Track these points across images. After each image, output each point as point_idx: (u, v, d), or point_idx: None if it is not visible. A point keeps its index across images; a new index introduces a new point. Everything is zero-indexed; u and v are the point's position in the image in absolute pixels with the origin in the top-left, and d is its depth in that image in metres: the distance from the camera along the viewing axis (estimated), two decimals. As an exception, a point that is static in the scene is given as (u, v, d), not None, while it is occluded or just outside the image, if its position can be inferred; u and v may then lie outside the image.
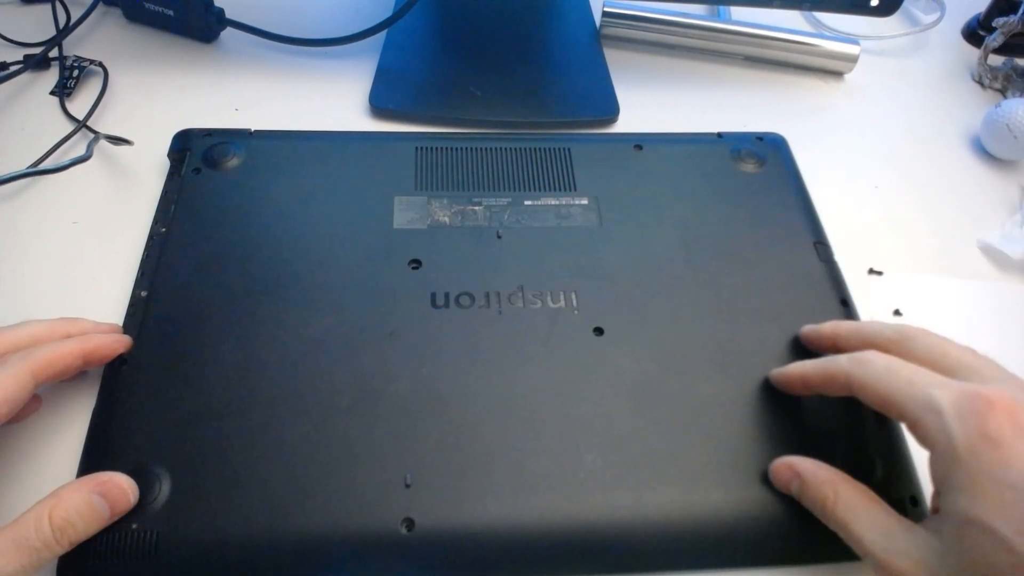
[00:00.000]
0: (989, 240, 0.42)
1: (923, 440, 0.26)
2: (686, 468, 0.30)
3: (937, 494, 0.26)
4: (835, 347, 0.32)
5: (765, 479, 0.30)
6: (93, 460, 0.29)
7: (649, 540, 0.29)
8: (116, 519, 0.27)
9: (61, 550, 0.25)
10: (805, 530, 0.29)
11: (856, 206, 0.45)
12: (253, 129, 0.42)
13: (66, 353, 0.29)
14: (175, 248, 0.36)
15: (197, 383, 0.31)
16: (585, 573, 0.29)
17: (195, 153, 0.40)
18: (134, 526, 0.27)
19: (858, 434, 0.31)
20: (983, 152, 0.49)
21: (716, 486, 0.30)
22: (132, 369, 0.31)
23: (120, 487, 0.27)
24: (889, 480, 0.30)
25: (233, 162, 0.40)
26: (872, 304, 0.39)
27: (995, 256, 0.42)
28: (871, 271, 0.40)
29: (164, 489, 0.28)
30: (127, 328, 0.33)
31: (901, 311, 0.39)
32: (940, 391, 0.25)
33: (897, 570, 0.25)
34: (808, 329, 0.34)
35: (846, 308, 0.36)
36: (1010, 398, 0.24)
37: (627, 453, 0.30)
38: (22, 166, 0.41)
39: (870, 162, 0.48)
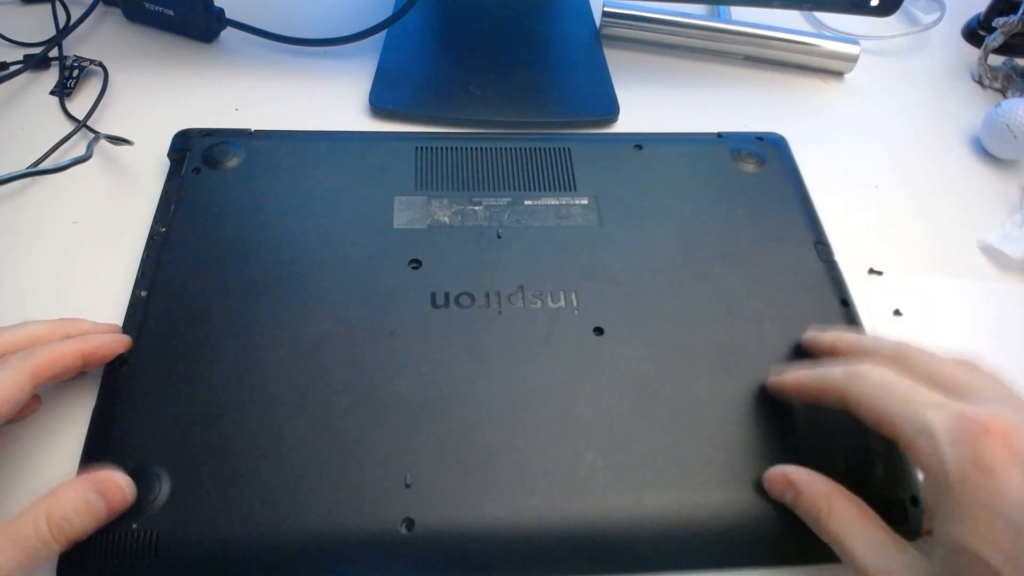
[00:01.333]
0: (989, 240, 0.42)
1: (917, 462, 0.25)
2: (686, 468, 0.30)
3: (931, 516, 0.25)
4: (834, 357, 0.32)
5: (740, 479, 0.30)
6: (93, 460, 0.29)
7: (649, 540, 0.29)
8: (114, 517, 0.27)
9: (59, 548, 0.25)
10: (805, 530, 0.29)
11: (856, 206, 0.45)
12: (253, 129, 0.42)
13: (66, 354, 0.29)
14: (175, 248, 0.36)
15: (197, 383, 0.31)
16: (585, 573, 0.29)
17: (195, 153, 0.40)
18: (134, 526, 0.27)
19: (858, 434, 0.31)
20: (983, 152, 0.49)
21: (716, 486, 0.30)
22: (132, 369, 0.31)
23: (117, 485, 0.27)
24: (889, 481, 0.30)
25: (233, 162, 0.40)
26: (872, 304, 0.39)
27: (995, 256, 0.42)
28: (871, 271, 0.40)
29: (164, 489, 0.28)
30: (127, 328, 0.33)
31: (901, 311, 0.39)
32: (934, 413, 0.24)
33: None
34: (810, 335, 0.33)
35: (846, 308, 0.36)
36: (1005, 423, 0.23)
37: (627, 453, 0.30)
38: (22, 166, 0.41)
39: (870, 162, 0.48)
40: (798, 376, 0.31)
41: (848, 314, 0.36)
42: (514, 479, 0.29)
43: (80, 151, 0.41)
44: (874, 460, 0.31)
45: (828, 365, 0.30)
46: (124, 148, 0.43)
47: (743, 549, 0.29)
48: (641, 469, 0.30)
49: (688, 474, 0.30)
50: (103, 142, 0.42)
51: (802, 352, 0.34)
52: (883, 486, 0.30)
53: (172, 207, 0.37)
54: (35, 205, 0.40)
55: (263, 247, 0.36)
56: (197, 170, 0.39)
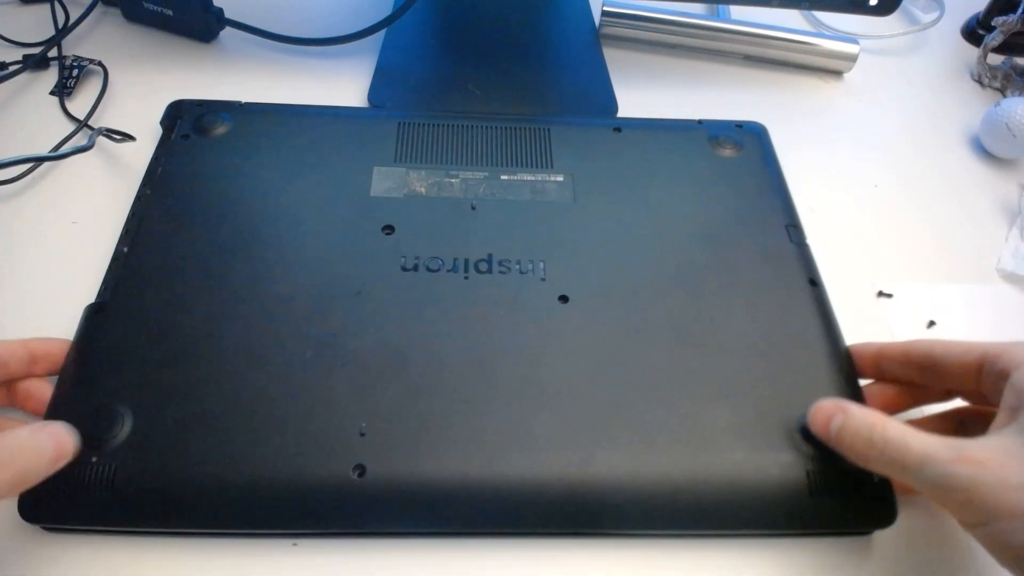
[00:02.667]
0: (1005, 265, 0.42)
1: (1009, 362, 0.26)
2: (638, 431, 0.30)
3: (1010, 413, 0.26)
4: (878, 362, 0.32)
5: (716, 446, 0.30)
6: (63, 396, 0.30)
7: (597, 500, 0.29)
8: (60, 460, 0.27)
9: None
10: (751, 499, 0.29)
11: (855, 204, 0.45)
12: (244, 101, 0.43)
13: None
14: (158, 207, 0.37)
15: (167, 331, 0.32)
16: (531, 528, 0.29)
17: (185, 120, 0.41)
18: (93, 459, 0.28)
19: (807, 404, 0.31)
20: (982, 151, 0.49)
21: (665, 449, 0.30)
22: (108, 315, 0.32)
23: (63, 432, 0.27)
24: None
25: (221, 130, 0.41)
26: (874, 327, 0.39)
27: (1013, 279, 0.42)
28: (880, 293, 0.40)
29: (126, 427, 0.29)
30: (107, 280, 0.34)
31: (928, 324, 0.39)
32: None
33: (976, 460, 0.24)
34: (857, 345, 0.34)
35: (815, 288, 0.36)
36: None
37: (582, 414, 0.30)
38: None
39: (869, 161, 0.48)
40: (880, 342, 0.32)
41: (817, 295, 0.36)
42: (468, 434, 0.29)
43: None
44: None
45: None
46: (124, 147, 0.43)
47: (692, 513, 0.29)
48: (594, 430, 0.30)
49: (639, 437, 0.30)
50: (106, 142, 0.42)
51: (772, 325, 0.34)
52: (844, 462, 0.29)
53: (159, 169, 0.39)
54: (34, 206, 0.40)
55: (242, 209, 0.37)
56: (186, 136, 0.40)
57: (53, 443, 0.26)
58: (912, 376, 0.31)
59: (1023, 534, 0.23)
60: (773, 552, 0.30)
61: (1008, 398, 0.26)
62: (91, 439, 0.28)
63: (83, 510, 0.28)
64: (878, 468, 0.27)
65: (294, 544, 0.29)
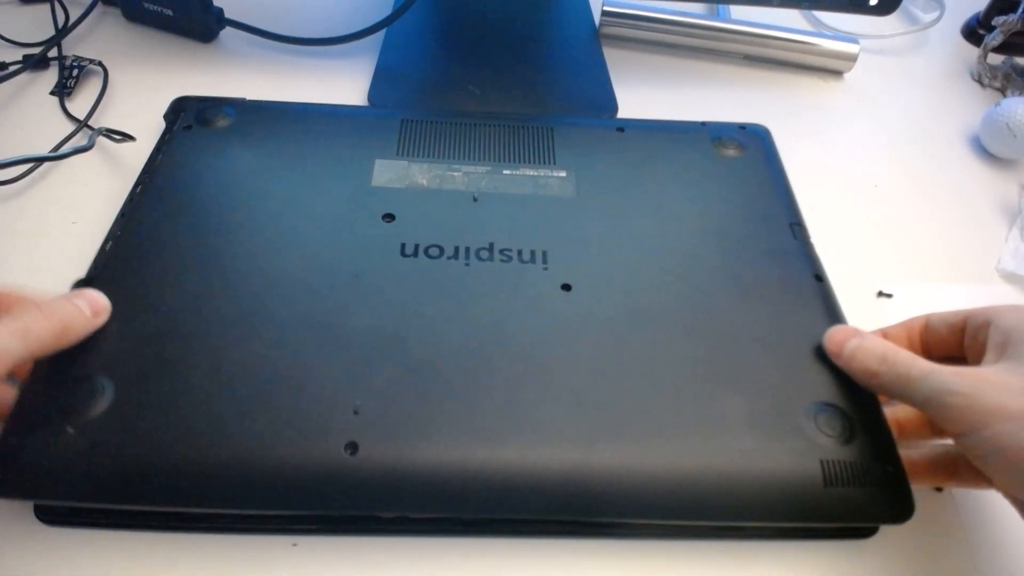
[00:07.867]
0: (1005, 265, 0.42)
1: (991, 314, 0.29)
2: (643, 419, 0.30)
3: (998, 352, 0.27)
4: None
5: (725, 434, 0.29)
6: (43, 363, 0.29)
7: (600, 487, 0.28)
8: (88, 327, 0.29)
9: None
10: (761, 489, 0.28)
11: (855, 204, 0.45)
12: (248, 99, 0.43)
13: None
14: (156, 192, 0.37)
15: (156, 306, 0.31)
16: (529, 513, 0.28)
17: (189, 113, 0.41)
18: (70, 430, 0.27)
19: (832, 400, 0.31)
20: (982, 151, 0.49)
21: (673, 439, 0.29)
22: (96, 287, 0.31)
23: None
24: (865, 444, 0.29)
25: (223, 123, 0.41)
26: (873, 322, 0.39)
27: (1013, 280, 0.42)
28: (880, 293, 0.40)
29: (106, 399, 0.28)
30: (97, 258, 0.34)
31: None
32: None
33: (977, 374, 0.26)
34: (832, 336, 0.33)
35: (821, 283, 0.36)
36: None
37: (584, 401, 0.30)
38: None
39: (870, 161, 0.48)
40: (882, 328, 0.33)
41: (823, 290, 0.35)
42: (466, 416, 0.29)
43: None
44: (852, 423, 0.30)
45: None
46: (124, 147, 0.43)
47: (701, 502, 0.28)
48: (597, 417, 0.30)
49: (644, 424, 0.29)
50: (106, 142, 0.42)
51: (779, 321, 0.34)
52: (859, 450, 0.29)
53: (159, 156, 0.39)
54: (34, 206, 0.40)
55: (240, 195, 0.37)
56: (188, 127, 0.40)
57: (87, 301, 0.29)
58: (914, 351, 0.31)
59: (1022, 435, 0.24)
60: (775, 556, 0.30)
61: (994, 337, 0.28)
62: (68, 410, 0.27)
63: (57, 484, 0.26)
64: (884, 383, 0.28)
65: (294, 544, 0.29)
